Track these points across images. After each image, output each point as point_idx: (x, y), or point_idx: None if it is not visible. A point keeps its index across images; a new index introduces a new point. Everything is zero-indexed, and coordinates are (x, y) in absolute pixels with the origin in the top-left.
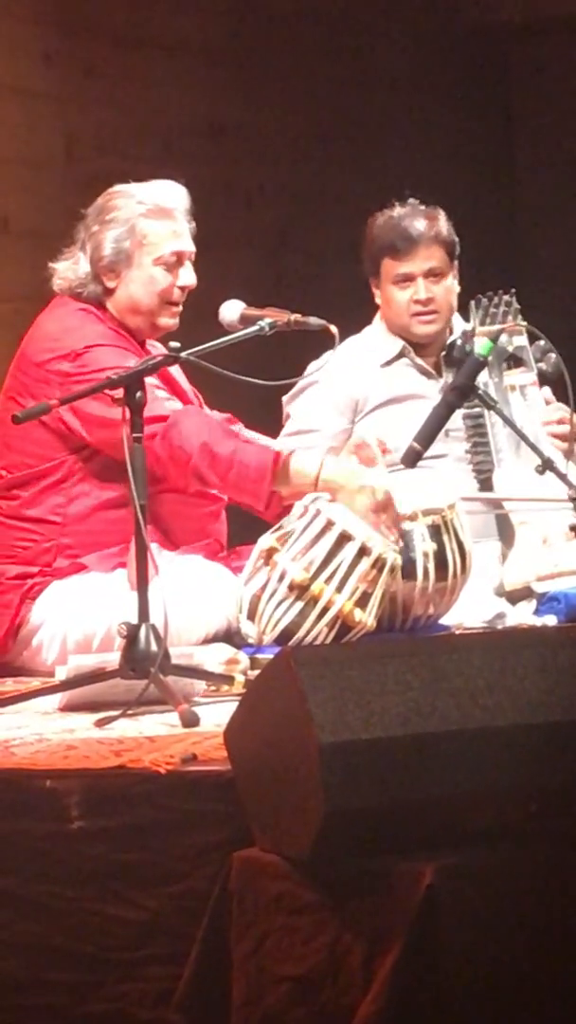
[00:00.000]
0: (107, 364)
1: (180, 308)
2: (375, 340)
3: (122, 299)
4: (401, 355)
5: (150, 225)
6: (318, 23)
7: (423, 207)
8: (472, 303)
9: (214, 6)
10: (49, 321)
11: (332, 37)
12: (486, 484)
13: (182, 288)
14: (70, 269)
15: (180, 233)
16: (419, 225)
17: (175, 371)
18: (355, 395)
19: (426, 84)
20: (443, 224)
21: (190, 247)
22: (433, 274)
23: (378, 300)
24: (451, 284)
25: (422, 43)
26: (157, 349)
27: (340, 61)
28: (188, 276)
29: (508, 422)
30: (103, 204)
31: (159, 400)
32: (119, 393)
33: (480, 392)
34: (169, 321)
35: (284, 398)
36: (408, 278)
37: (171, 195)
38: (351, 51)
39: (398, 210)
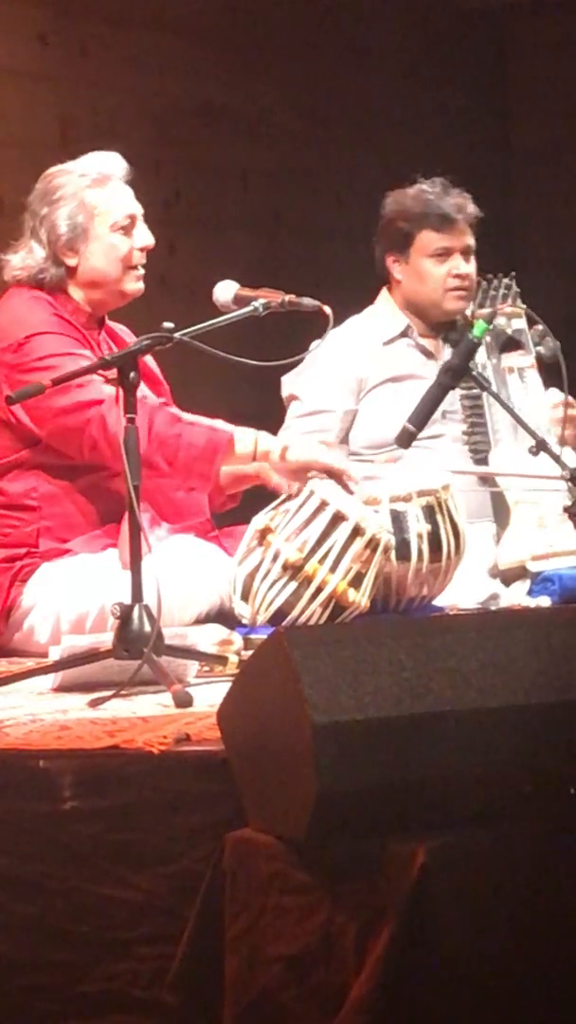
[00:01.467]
0: (49, 352)
1: (143, 271)
2: (379, 318)
3: (85, 274)
4: (403, 334)
5: (97, 194)
6: (314, 3)
7: (456, 188)
8: None
9: None
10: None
11: (328, 17)
12: (483, 464)
13: (142, 249)
14: (27, 258)
15: (126, 195)
16: (460, 202)
17: (149, 360)
18: (359, 374)
19: (422, 64)
20: (473, 206)
21: (139, 208)
22: (468, 252)
23: (398, 275)
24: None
25: (418, 22)
26: (124, 330)
27: (336, 41)
28: (144, 236)
29: (502, 403)
30: (45, 187)
31: (94, 383)
32: (112, 373)
33: (474, 373)
34: (135, 286)
35: (284, 378)
36: (448, 252)
37: (108, 163)
38: (347, 31)
39: (431, 185)
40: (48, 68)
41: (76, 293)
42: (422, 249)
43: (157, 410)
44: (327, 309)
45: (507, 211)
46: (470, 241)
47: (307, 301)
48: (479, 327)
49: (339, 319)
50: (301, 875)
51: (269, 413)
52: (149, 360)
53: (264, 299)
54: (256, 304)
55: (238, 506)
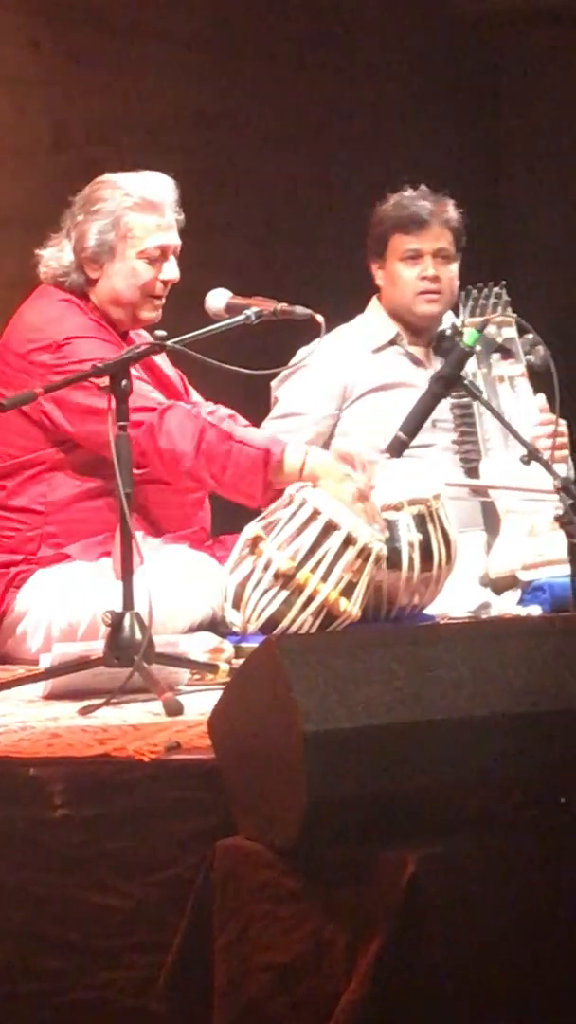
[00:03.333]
0: (88, 355)
1: (162, 301)
2: (368, 326)
3: (104, 290)
4: (393, 342)
5: (136, 218)
6: (307, 12)
7: (436, 193)
8: (462, 294)
9: None
10: (31, 311)
11: (322, 26)
12: (473, 474)
13: (164, 282)
14: (54, 257)
15: (165, 227)
16: (433, 205)
17: (159, 358)
18: (344, 381)
19: (415, 74)
20: (454, 212)
21: (175, 241)
22: (441, 255)
23: (379, 281)
24: (456, 271)
25: (411, 32)
26: (143, 338)
27: (329, 50)
28: (171, 270)
29: (494, 412)
30: (89, 194)
31: (143, 390)
32: (105, 381)
33: (466, 382)
34: (151, 314)
35: (273, 383)
36: (418, 255)
37: (159, 188)
38: (340, 40)
39: (410, 192)
40: (41, 74)
41: (96, 303)
42: (395, 252)
43: (210, 426)
44: (319, 317)
45: (498, 220)
46: (443, 244)
47: (299, 309)
48: (471, 336)
49: (332, 327)
50: (291, 883)
51: (261, 421)
52: (161, 362)
53: (256, 307)
54: (248, 312)
55: (233, 515)
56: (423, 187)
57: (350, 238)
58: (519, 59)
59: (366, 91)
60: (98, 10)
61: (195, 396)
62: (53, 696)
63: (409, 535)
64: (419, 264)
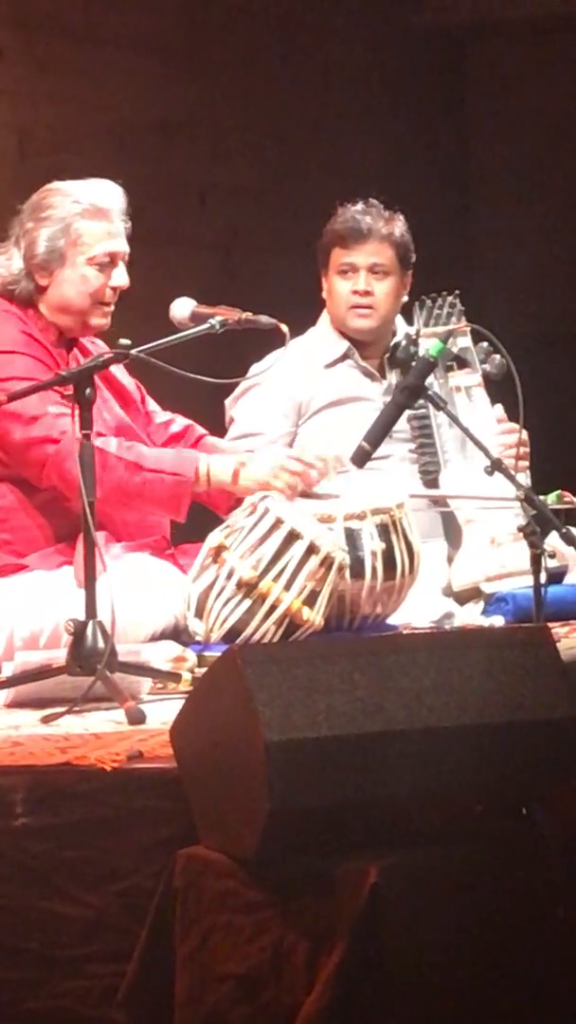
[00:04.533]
0: (10, 374)
1: (112, 308)
2: (320, 341)
3: (54, 298)
4: (345, 356)
5: (85, 225)
6: (273, 21)
7: (384, 208)
8: (416, 304)
9: (168, 3)
10: None
11: (287, 35)
12: (432, 485)
13: (114, 288)
14: (3, 265)
15: (115, 234)
16: (372, 220)
17: (115, 367)
18: (298, 398)
19: (381, 83)
20: (399, 227)
21: (124, 248)
22: (377, 270)
23: (324, 294)
24: (395, 287)
25: (378, 42)
26: (97, 346)
27: (295, 59)
28: (121, 277)
29: (458, 423)
30: (39, 201)
31: (50, 415)
32: (69, 390)
33: (430, 393)
34: (100, 321)
35: (227, 401)
36: (352, 268)
37: (108, 195)
38: (306, 49)
39: (359, 206)
40: (6, 83)
41: (45, 311)
42: (333, 266)
43: (117, 460)
44: (284, 327)
45: (466, 229)
46: (380, 260)
47: (264, 319)
48: (436, 347)
49: (296, 336)
50: (252, 893)
51: (221, 430)
52: (118, 371)
53: (221, 316)
54: (213, 321)
55: (194, 524)
56: (372, 201)
57: (314, 248)
58: (487, 70)
59: (332, 100)
60: (63, 18)
61: (152, 405)
62: (15, 704)
63: (372, 544)
64: (351, 278)
